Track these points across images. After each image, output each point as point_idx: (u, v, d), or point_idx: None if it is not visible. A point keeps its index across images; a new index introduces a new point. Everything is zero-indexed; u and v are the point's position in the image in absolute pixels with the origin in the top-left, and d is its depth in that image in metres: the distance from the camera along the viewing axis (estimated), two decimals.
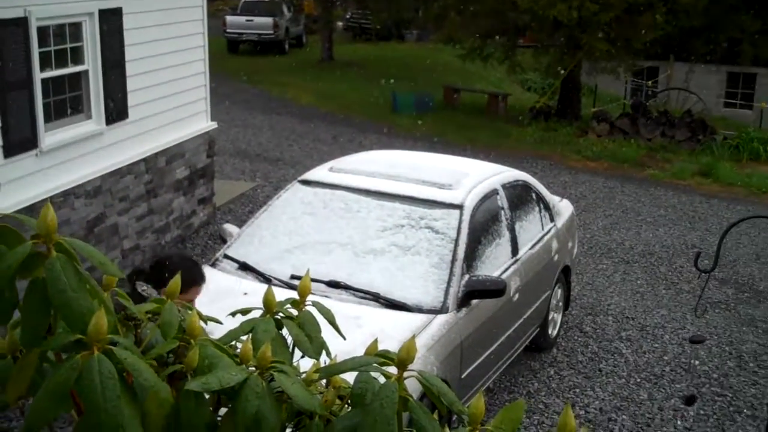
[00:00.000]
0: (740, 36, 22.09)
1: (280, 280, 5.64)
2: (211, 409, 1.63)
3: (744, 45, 22.67)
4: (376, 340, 1.75)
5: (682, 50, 24.08)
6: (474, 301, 5.85)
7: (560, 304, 7.98)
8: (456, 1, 20.83)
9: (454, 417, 4.35)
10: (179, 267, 4.25)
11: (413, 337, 1.58)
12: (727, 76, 27.82)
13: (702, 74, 25.97)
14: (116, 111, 8.46)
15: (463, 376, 5.68)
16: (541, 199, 7.72)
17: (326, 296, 5.55)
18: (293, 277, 5.70)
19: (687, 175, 15.83)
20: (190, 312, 1.59)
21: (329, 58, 28.34)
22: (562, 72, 19.96)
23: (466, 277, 5.81)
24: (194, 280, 4.34)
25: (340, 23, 35.48)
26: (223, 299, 5.01)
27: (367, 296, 5.60)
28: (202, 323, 1.61)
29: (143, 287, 4.10)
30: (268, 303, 1.74)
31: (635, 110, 19.55)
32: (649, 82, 25.56)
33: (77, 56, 7.98)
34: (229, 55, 29.23)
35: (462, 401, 5.38)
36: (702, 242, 11.42)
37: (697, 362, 7.67)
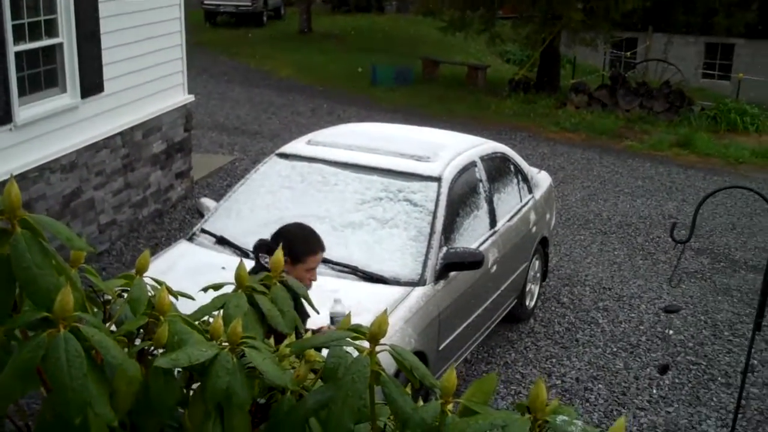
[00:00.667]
0: (719, 6, 22.08)
1: None
2: (183, 385, 1.63)
3: (719, 17, 22.68)
4: (349, 314, 1.75)
5: (660, 21, 24.09)
6: (452, 273, 5.87)
7: (538, 275, 8.02)
8: None
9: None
10: (298, 237, 4.32)
11: (385, 311, 1.58)
12: (705, 47, 27.85)
13: (680, 45, 25.99)
14: (91, 84, 8.37)
15: (440, 348, 5.70)
16: (519, 170, 7.72)
17: None
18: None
19: (665, 146, 15.89)
20: (159, 287, 1.58)
21: (308, 30, 28.13)
22: (544, 42, 19.92)
23: (444, 249, 5.82)
24: (312, 250, 4.41)
25: None
26: (201, 274, 4.99)
27: (346, 269, 5.60)
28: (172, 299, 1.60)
29: (265, 259, 4.13)
30: (240, 278, 1.73)
31: (614, 82, 19.55)
32: (628, 54, 25.57)
33: (51, 29, 7.87)
34: (207, 27, 28.96)
35: (440, 373, 5.41)
36: (679, 213, 11.50)
37: (671, 331, 7.75)
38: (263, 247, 4.25)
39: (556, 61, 21.18)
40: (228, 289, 1.78)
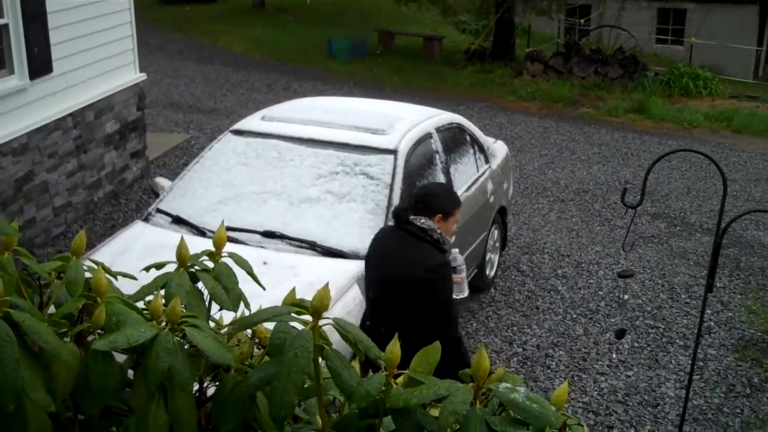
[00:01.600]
0: None
1: (214, 233, 5.57)
2: (130, 367, 1.61)
3: None
4: (293, 289, 1.74)
5: None
6: None
7: (497, 244, 8.06)
8: None
9: None
10: (443, 194, 4.57)
11: (327, 284, 1.56)
12: (658, 12, 28.05)
13: (633, 11, 26.15)
14: (40, 65, 8.20)
15: None
16: (475, 141, 7.73)
17: (262, 246, 5.54)
18: (228, 228, 5.64)
19: (620, 113, 16.02)
20: (95, 268, 1.55)
21: (261, 5, 27.83)
22: (498, 12, 19.91)
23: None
24: (459, 202, 4.63)
25: None
26: (157, 254, 4.94)
27: (304, 245, 5.58)
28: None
29: (421, 220, 4.14)
30: (182, 256, 1.71)
31: (568, 49, 19.62)
32: (582, 21, 25.64)
33: None
34: (159, 4, 28.50)
35: None
36: (635, 178, 11.61)
37: (627, 296, 7.85)
38: (406, 212, 4.38)
39: (511, 30, 21.19)
40: (171, 267, 1.76)
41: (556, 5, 20.39)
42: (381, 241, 4.59)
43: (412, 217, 4.33)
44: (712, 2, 25.87)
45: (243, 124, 6.83)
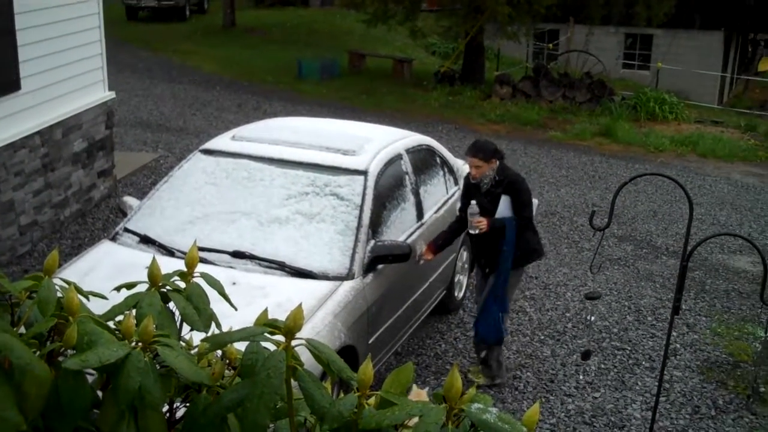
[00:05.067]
0: None
1: (183, 253, 5.55)
2: (99, 387, 1.60)
3: (638, 6, 23.11)
4: (266, 310, 1.74)
5: (580, 13, 24.48)
6: (380, 266, 5.89)
7: (466, 266, 8.09)
8: None
9: None
10: (486, 144, 6.38)
11: (300, 305, 1.57)
12: (625, 37, 28.44)
13: (601, 36, 26.47)
14: (8, 82, 8.13)
15: (371, 341, 5.71)
16: (445, 162, 7.78)
17: (231, 267, 5.51)
18: (198, 249, 5.60)
19: (587, 136, 16.20)
20: (66, 287, 1.54)
21: (231, 25, 27.85)
22: (467, 35, 20.07)
23: (372, 242, 5.83)
24: (496, 149, 6.34)
25: None
26: (125, 274, 4.90)
27: (273, 265, 5.56)
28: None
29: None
30: (154, 276, 1.70)
31: (537, 73, 19.83)
32: (550, 45, 25.93)
33: None
34: (128, 22, 28.42)
35: (376, 367, 5.40)
36: (602, 201, 11.72)
37: (593, 318, 7.90)
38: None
39: (481, 53, 21.38)
40: (142, 287, 1.75)
41: (525, 29, 20.61)
42: None
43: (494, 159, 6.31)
44: (678, 28, 26.27)
45: (213, 144, 6.81)
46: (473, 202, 6.22)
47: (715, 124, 18.40)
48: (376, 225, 6.02)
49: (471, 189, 6.44)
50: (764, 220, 11.68)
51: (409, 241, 6.28)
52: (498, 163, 6.30)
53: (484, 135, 15.89)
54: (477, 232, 6.19)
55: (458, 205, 7.54)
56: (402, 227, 6.44)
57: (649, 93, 18.95)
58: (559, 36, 26.89)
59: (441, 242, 6.61)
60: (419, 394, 5.50)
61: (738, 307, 8.55)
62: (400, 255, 5.82)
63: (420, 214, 6.79)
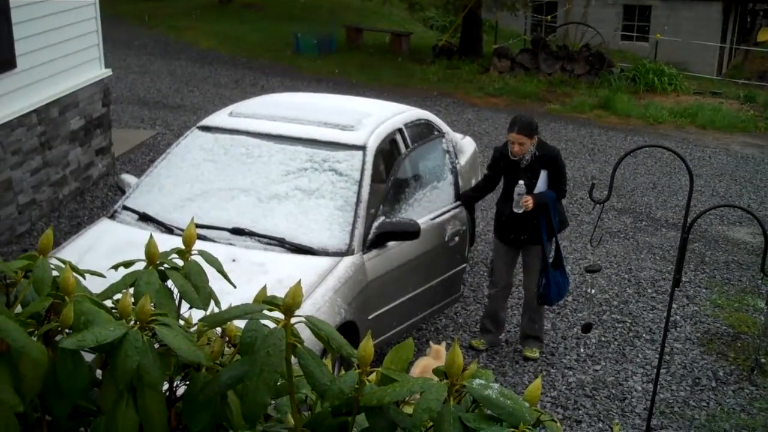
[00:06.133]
0: None
1: (182, 230, 5.51)
2: (98, 367, 1.58)
3: None
4: (264, 287, 1.72)
5: None
6: (391, 243, 5.85)
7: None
8: None
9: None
10: (529, 120, 6.45)
11: (299, 282, 1.55)
12: (624, 8, 28.25)
13: (599, 8, 26.31)
14: (3, 60, 8.08)
15: (370, 317, 5.70)
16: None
17: (231, 243, 5.50)
18: (196, 226, 5.58)
19: (586, 109, 16.13)
20: (63, 267, 1.52)
21: (228, 0, 27.65)
22: (465, 8, 19.94)
23: (381, 218, 5.79)
24: (537, 125, 6.47)
25: None
26: (123, 252, 4.88)
27: (273, 242, 5.54)
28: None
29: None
30: (151, 254, 1.68)
31: (535, 46, 19.72)
32: (548, 17, 25.77)
33: None
34: None
35: (376, 341, 5.39)
36: (602, 173, 11.70)
37: (593, 290, 7.90)
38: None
39: (479, 26, 21.25)
40: (140, 266, 1.73)
41: (523, 2, 20.48)
42: None
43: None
44: None
45: (210, 121, 6.78)
46: (521, 182, 6.30)
47: (714, 95, 18.32)
48: (379, 201, 5.98)
49: (507, 164, 6.48)
50: (764, 191, 11.66)
51: (412, 215, 6.23)
52: (537, 138, 6.40)
53: (482, 109, 15.84)
54: (523, 210, 6.26)
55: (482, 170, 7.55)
56: (404, 203, 6.39)
57: (648, 65, 18.85)
58: (558, 8, 26.72)
59: (469, 197, 7.02)
60: (438, 351, 5.44)
61: (738, 278, 8.56)
62: (408, 232, 5.79)
63: (420, 188, 6.76)
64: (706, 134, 14.93)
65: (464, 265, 7.19)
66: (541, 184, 6.33)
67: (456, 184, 6.98)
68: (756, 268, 8.59)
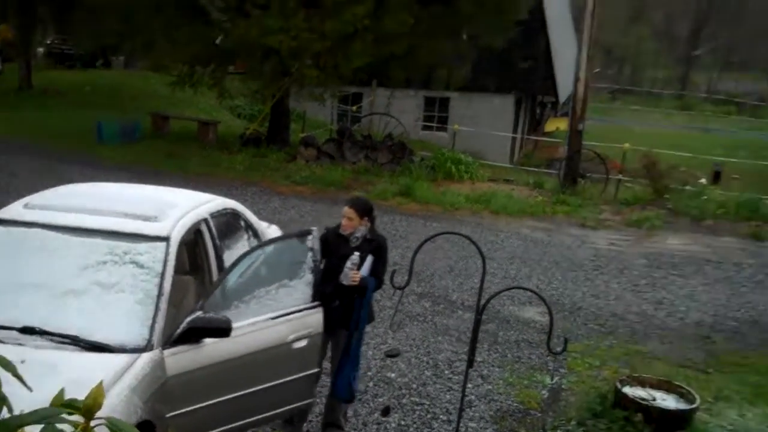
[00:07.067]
0: (437, 62, 23.50)
1: None
2: None
3: (439, 71, 24.26)
4: (62, 390, 1.73)
5: (383, 76, 25.43)
6: (207, 340, 5.74)
7: None
8: (163, 29, 20.46)
9: None
10: (365, 201, 6.70)
11: (101, 383, 1.59)
12: (425, 100, 29.75)
13: (402, 99, 27.57)
14: None
15: (169, 416, 5.54)
16: (249, 226, 7.83)
17: (20, 344, 5.28)
18: None
19: (388, 196, 16.77)
20: None
21: (28, 86, 26.82)
22: (274, 97, 20.32)
23: (198, 313, 5.68)
24: (372, 209, 6.63)
25: (41, 49, 33.68)
26: None
27: (66, 340, 5.39)
28: None
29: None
30: None
31: (341, 135, 20.38)
32: (354, 108, 26.71)
33: None
34: None
35: None
36: (403, 259, 12.13)
37: (393, 375, 8.15)
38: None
39: (286, 115, 21.72)
40: None
41: (330, 92, 21.15)
42: None
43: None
44: (473, 92, 27.81)
45: (3, 213, 6.54)
46: (357, 253, 6.37)
47: (507, 182, 19.56)
48: (207, 295, 5.90)
49: (336, 241, 6.58)
50: (550, 272, 12.51)
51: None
52: (370, 224, 6.55)
53: (289, 197, 16.11)
54: (349, 283, 6.32)
55: None
56: (239, 300, 6.28)
57: (447, 154, 19.91)
58: (363, 99, 27.75)
59: (320, 293, 6.38)
60: None
61: (528, 356, 9.10)
62: (219, 329, 5.72)
63: (265, 285, 6.67)
64: (499, 219, 15.87)
65: (315, 370, 6.67)
66: (365, 270, 6.40)
67: (316, 283, 6.57)
68: (544, 345, 9.16)
